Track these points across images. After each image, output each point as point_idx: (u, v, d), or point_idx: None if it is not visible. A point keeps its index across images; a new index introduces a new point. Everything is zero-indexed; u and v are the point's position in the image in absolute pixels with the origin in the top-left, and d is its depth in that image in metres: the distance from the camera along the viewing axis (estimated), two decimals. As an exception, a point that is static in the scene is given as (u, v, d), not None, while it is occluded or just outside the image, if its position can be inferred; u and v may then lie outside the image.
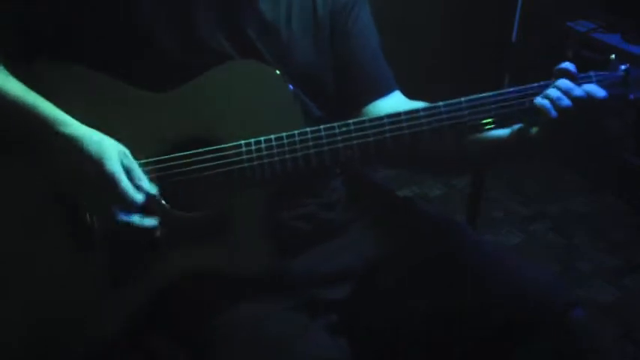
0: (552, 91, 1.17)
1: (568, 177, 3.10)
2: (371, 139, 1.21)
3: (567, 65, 1.20)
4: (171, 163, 1.22)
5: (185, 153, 1.22)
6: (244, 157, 1.21)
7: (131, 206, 1.16)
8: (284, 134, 1.20)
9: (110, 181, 1.15)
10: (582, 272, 2.54)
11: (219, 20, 1.28)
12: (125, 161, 1.17)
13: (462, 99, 1.20)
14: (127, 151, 1.19)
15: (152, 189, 1.19)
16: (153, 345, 1.28)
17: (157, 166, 1.22)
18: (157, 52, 1.24)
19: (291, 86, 1.24)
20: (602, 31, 2.86)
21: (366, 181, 1.53)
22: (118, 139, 1.19)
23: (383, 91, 1.41)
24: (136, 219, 1.17)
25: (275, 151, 1.20)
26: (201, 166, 1.21)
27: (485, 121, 1.20)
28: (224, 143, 1.21)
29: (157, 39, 1.24)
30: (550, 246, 2.69)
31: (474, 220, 2.48)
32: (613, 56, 1.23)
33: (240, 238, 1.23)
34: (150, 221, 1.18)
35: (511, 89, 1.21)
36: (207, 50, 1.26)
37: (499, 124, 1.21)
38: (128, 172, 1.17)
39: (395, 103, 1.40)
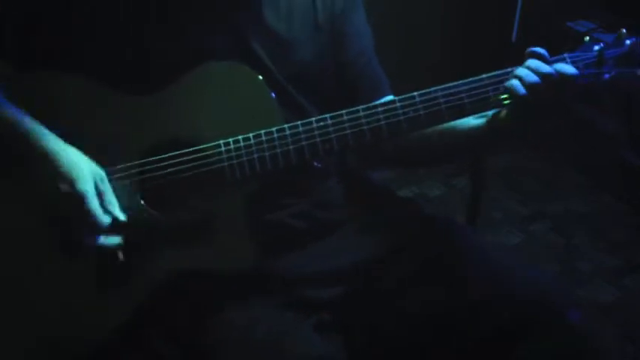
0: (520, 70, 1.18)
1: (568, 177, 3.10)
2: (348, 131, 1.21)
3: (538, 49, 1.20)
4: (153, 166, 1.22)
5: (165, 155, 1.22)
6: (224, 156, 1.21)
7: (97, 227, 1.16)
8: (262, 132, 1.21)
9: (79, 200, 1.15)
10: (582, 272, 2.54)
11: (218, 23, 1.28)
12: (100, 184, 1.17)
13: (438, 87, 1.21)
14: (104, 175, 1.19)
15: (121, 215, 1.19)
16: (148, 345, 1.28)
17: (139, 169, 1.22)
18: (148, 54, 1.24)
19: (273, 94, 1.24)
20: (602, 31, 2.86)
21: (365, 182, 1.53)
22: (100, 144, 1.20)
23: (376, 96, 1.42)
24: (101, 240, 1.17)
25: (254, 149, 1.21)
26: (182, 167, 1.22)
27: (463, 107, 1.20)
28: (204, 144, 1.22)
29: (147, 44, 1.24)
30: (550, 246, 2.69)
31: (474, 220, 2.48)
32: (587, 38, 1.23)
33: (224, 237, 1.23)
34: (112, 241, 1.18)
35: (483, 75, 1.21)
36: (203, 53, 1.25)
37: (476, 109, 1.21)
38: (100, 195, 1.17)
39: None
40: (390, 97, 1.43)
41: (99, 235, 1.17)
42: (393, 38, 1.52)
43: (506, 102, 1.21)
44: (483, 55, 2.52)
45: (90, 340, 1.23)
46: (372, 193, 1.51)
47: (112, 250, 1.19)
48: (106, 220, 1.17)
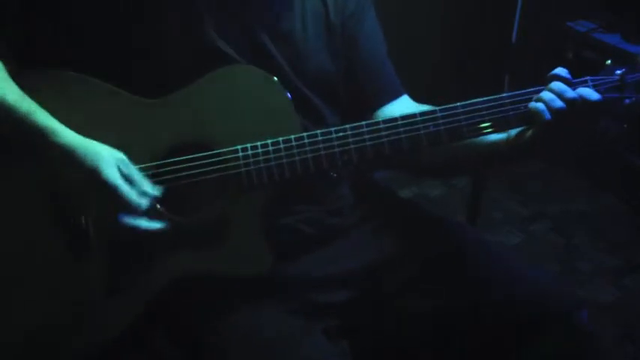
0: (545, 94, 1.17)
1: (568, 177, 3.10)
2: (368, 143, 1.20)
3: (560, 71, 1.19)
4: (169, 168, 1.22)
5: (182, 158, 1.21)
6: (241, 162, 1.20)
7: (135, 211, 1.16)
8: (280, 139, 1.20)
9: (109, 189, 1.14)
10: (582, 272, 2.54)
11: (233, 26, 1.28)
12: (123, 168, 1.17)
13: (458, 104, 1.20)
14: (125, 158, 1.18)
15: (155, 191, 1.19)
16: (153, 346, 1.28)
17: (155, 170, 1.22)
18: (166, 59, 1.24)
19: (289, 94, 1.24)
20: (602, 31, 2.86)
21: (371, 184, 1.53)
22: (115, 145, 1.19)
23: (391, 96, 1.42)
24: (143, 223, 1.17)
25: (272, 156, 1.20)
26: (198, 170, 1.21)
27: (483, 125, 1.20)
28: (221, 148, 1.21)
29: (166, 45, 1.24)
30: (550, 246, 2.69)
31: (474, 220, 2.48)
32: (609, 61, 1.23)
33: (238, 242, 1.23)
34: (156, 224, 1.18)
35: (505, 94, 1.21)
36: (219, 56, 1.25)
37: (497, 129, 1.21)
38: (127, 178, 1.17)
39: (404, 107, 1.41)
40: (405, 97, 1.44)
41: (140, 216, 1.16)
42: (393, 38, 1.51)
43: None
44: (483, 55, 2.52)
45: (93, 341, 1.23)
46: (377, 196, 1.51)
47: (154, 235, 1.18)
48: (143, 202, 1.16)
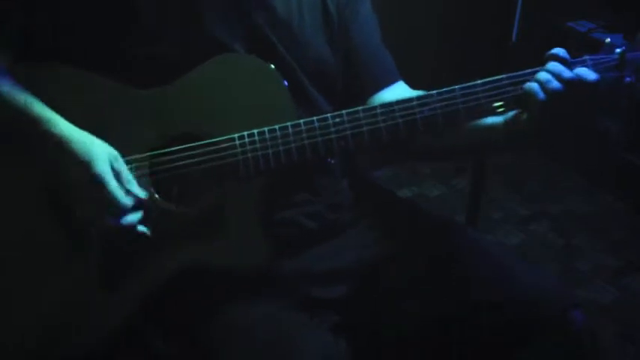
0: (542, 74, 1.16)
1: (568, 177, 3.10)
2: (364, 129, 1.20)
3: (558, 50, 1.19)
4: (166, 158, 1.21)
5: (179, 147, 1.21)
6: (238, 150, 1.20)
7: (120, 209, 1.15)
8: (277, 126, 1.20)
9: (98, 183, 1.14)
10: (582, 272, 2.54)
11: (231, 15, 1.27)
12: (115, 164, 1.16)
13: (456, 87, 1.20)
14: (118, 155, 1.18)
15: (142, 192, 1.18)
16: (151, 343, 1.28)
17: (152, 160, 1.21)
18: (164, 48, 1.24)
19: (285, 82, 1.23)
20: (602, 31, 2.86)
21: (368, 182, 1.53)
22: (111, 138, 1.18)
23: (385, 83, 1.42)
24: (126, 220, 1.16)
25: (268, 143, 1.20)
26: (195, 160, 1.21)
27: (480, 108, 1.19)
28: (218, 136, 1.20)
29: (163, 35, 1.24)
30: (550, 246, 2.69)
31: (474, 220, 2.48)
32: (609, 39, 1.22)
33: (236, 234, 1.23)
34: (135, 217, 1.17)
35: (503, 75, 1.20)
36: (218, 45, 1.25)
37: (505, 108, 1.20)
38: (118, 175, 1.16)
39: (399, 93, 1.40)
40: (401, 84, 1.44)
41: (122, 215, 1.15)
42: (392, 38, 1.51)
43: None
44: (483, 55, 2.51)
45: (90, 339, 1.23)
46: (374, 194, 1.51)
47: (135, 228, 1.17)
48: (128, 200, 1.15)
